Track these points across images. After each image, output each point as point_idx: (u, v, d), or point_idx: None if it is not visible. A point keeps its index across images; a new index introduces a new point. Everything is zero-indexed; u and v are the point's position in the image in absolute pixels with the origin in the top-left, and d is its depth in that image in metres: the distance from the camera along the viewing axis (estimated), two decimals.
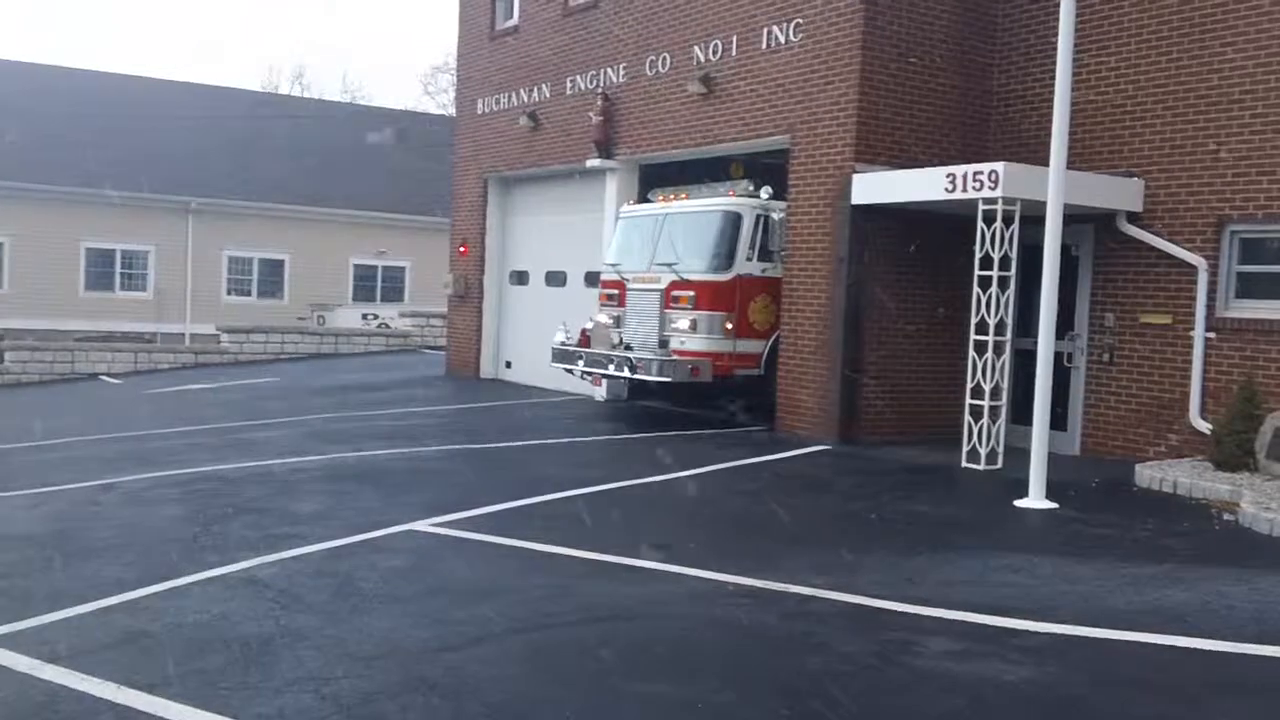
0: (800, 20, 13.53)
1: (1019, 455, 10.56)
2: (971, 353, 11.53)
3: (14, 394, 22.25)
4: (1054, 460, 10.20)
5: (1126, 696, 5.37)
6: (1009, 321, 11.50)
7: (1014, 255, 11.37)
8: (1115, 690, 5.42)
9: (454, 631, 6.18)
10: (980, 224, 11.38)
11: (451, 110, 29.29)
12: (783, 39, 13.78)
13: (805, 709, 5.23)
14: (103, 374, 24.21)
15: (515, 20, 19.56)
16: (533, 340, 18.84)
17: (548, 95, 18.42)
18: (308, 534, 8.37)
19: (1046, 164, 10.05)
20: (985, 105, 13.63)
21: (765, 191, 13.86)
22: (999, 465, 11.34)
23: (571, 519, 9.19)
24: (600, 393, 16.88)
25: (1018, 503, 9.74)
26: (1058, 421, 11.83)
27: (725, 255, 13.79)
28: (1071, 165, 10.71)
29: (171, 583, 7.07)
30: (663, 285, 14.19)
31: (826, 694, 5.40)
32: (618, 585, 7.16)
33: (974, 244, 11.51)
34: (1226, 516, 9.26)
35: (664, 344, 13.97)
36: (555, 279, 19.05)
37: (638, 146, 16.39)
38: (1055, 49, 10.09)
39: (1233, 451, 10.49)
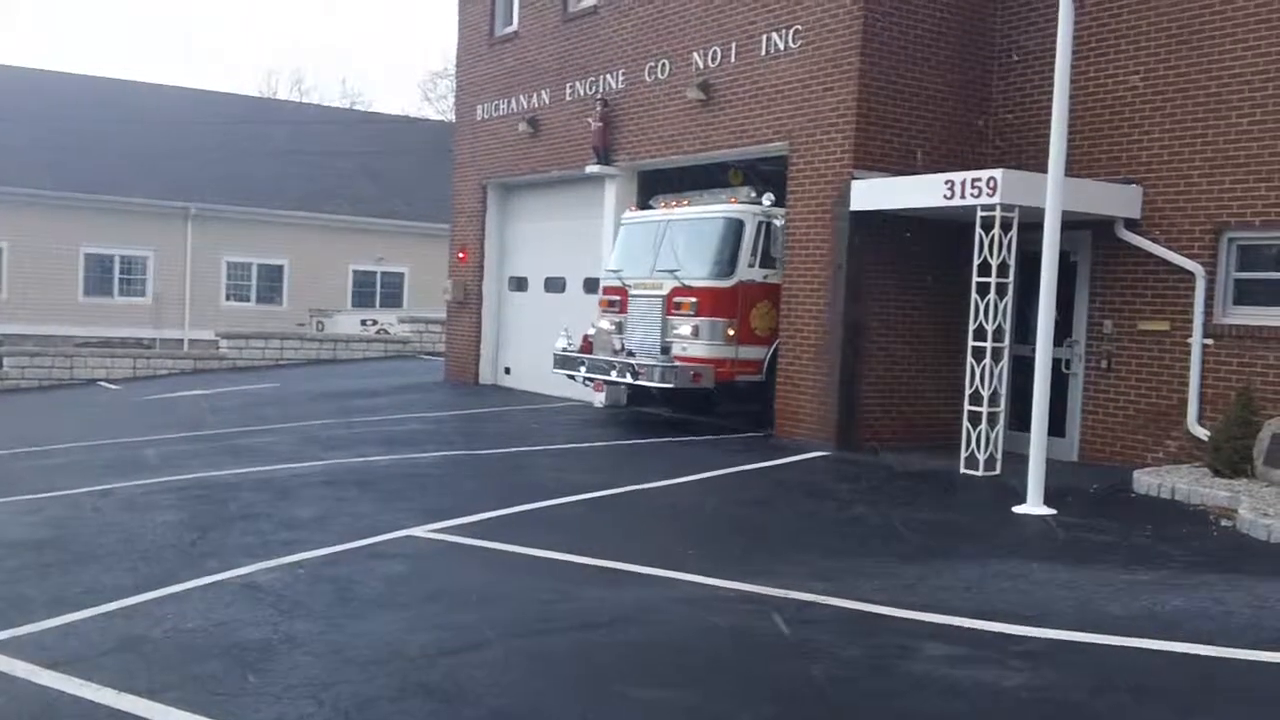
0: (799, 27, 13.56)
1: (1017, 461, 10.57)
2: (970, 359, 11.54)
3: (12, 400, 22.25)
4: (1052, 466, 10.22)
5: (1124, 702, 5.37)
6: (1007, 328, 11.51)
7: (1012, 262, 11.38)
8: (1112, 696, 5.42)
9: (453, 636, 6.18)
10: (979, 231, 11.40)
11: (451, 116, 29.33)
12: (782, 46, 13.81)
13: (804, 714, 5.24)
14: (101, 380, 24.22)
15: (515, 26, 19.59)
16: (532, 346, 18.85)
17: (547, 101, 18.44)
18: (307, 539, 8.37)
19: (1045, 171, 10.07)
20: (984, 112, 13.65)
21: (767, 198, 13.89)
22: (997, 471, 11.35)
23: (570, 524, 9.19)
24: (599, 399, 16.86)
25: (1016, 509, 9.75)
26: (1056, 428, 11.83)
27: (727, 262, 13.82)
28: (1070, 172, 10.72)
29: (170, 588, 7.07)
30: (665, 291, 14.21)
31: (825, 700, 5.40)
32: (617, 591, 7.16)
33: (972, 250, 11.53)
34: (1224, 522, 9.27)
35: (666, 350, 13.99)
36: (554, 285, 19.07)
37: (637, 153, 16.41)
38: (1054, 56, 10.11)
39: (1230, 458, 10.50)
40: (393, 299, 37.38)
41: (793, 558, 8.11)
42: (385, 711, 5.11)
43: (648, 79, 16.11)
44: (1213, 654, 5.96)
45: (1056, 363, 11.28)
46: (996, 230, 11.23)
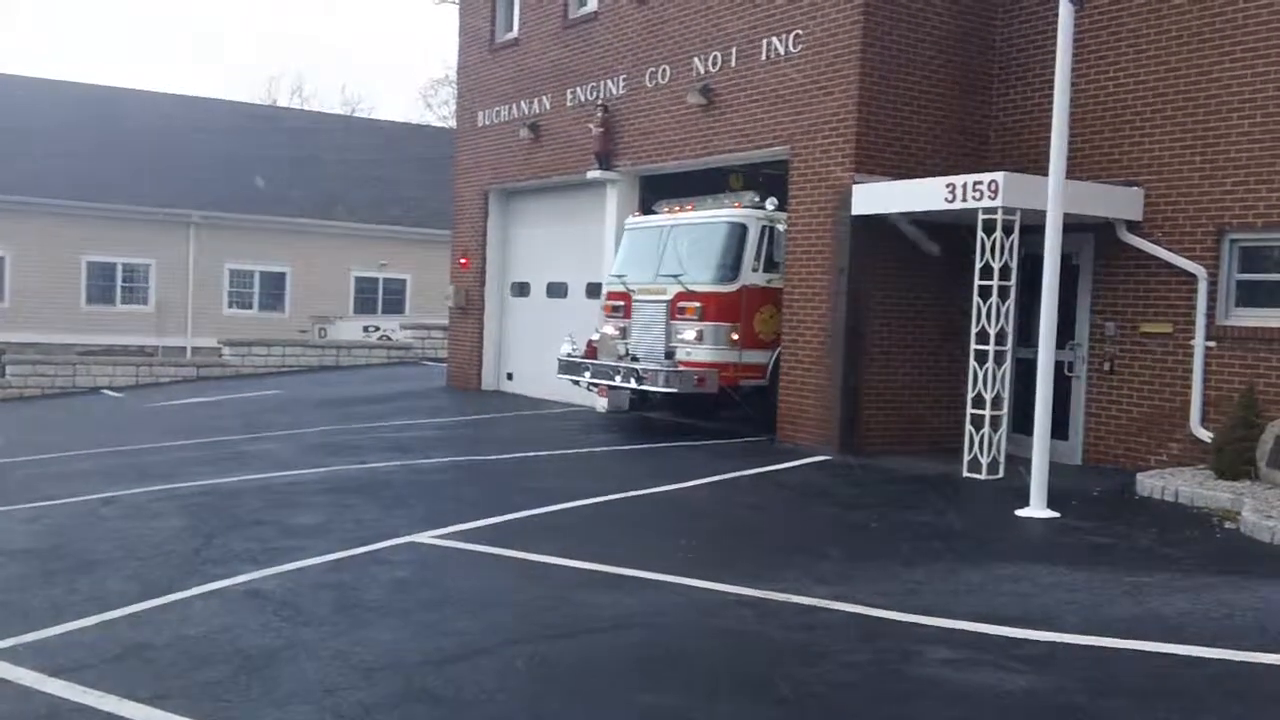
0: (799, 32, 13.57)
1: (1020, 465, 10.56)
2: (972, 362, 11.53)
3: (16, 408, 22.26)
4: (1055, 469, 10.22)
5: (1127, 706, 5.36)
6: (1009, 331, 11.50)
7: (1014, 265, 11.38)
8: (1116, 700, 5.42)
9: (455, 643, 6.18)
10: (980, 234, 11.40)
11: (452, 122, 29.37)
12: (782, 50, 13.82)
13: (807, 719, 5.23)
14: (104, 388, 24.23)
15: (515, 33, 19.62)
16: (534, 352, 18.86)
17: (548, 107, 18.47)
18: (309, 546, 8.37)
19: (1046, 173, 10.07)
20: (985, 115, 13.66)
21: (770, 203, 13.91)
22: (1000, 475, 11.34)
23: (573, 530, 9.19)
24: (602, 404, 16.89)
25: (1019, 512, 9.74)
26: (1059, 431, 11.82)
27: (731, 266, 13.84)
28: (1071, 174, 10.73)
29: (173, 596, 7.08)
30: (669, 296, 14.22)
31: (829, 704, 5.40)
32: (619, 596, 7.16)
33: (974, 253, 11.53)
34: (1228, 525, 9.26)
35: (670, 355, 14.00)
36: (556, 290, 19.08)
37: (638, 158, 16.43)
38: (1054, 58, 10.11)
39: (1233, 460, 10.49)
40: (395, 305, 37.41)
41: (795, 562, 8.11)
42: (387, 717, 5.10)
43: (648, 84, 16.12)
44: (1217, 656, 5.96)
45: (1059, 365, 11.27)
46: (998, 233, 11.23)
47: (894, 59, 12.97)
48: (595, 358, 15.05)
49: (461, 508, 9.85)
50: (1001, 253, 11.26)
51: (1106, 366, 12.39)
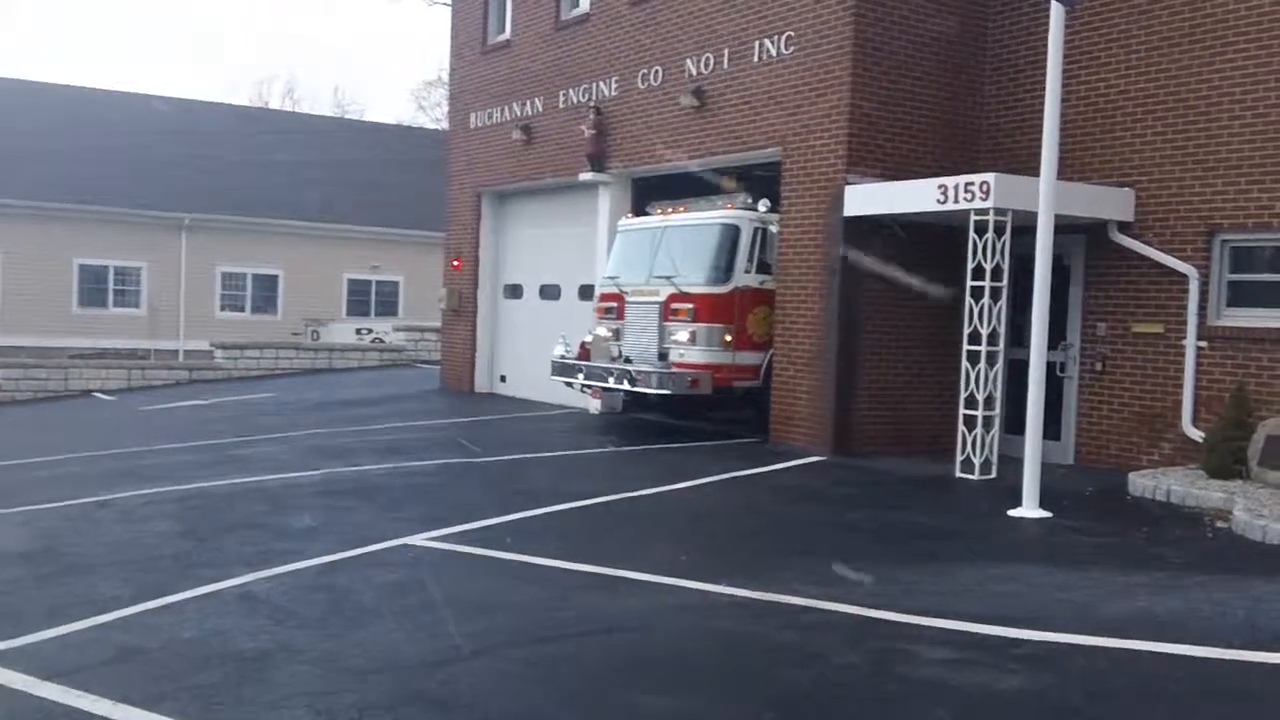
0: (791, 33, 13.59)
1: (1013, 465, 10.59)
2: (965, 363, 11.56)
3: (7, 411, 22.20)
4: (1048, 469, 10.24)
5: (1121, 704, 5.38)
6: (1001, 331, 11.53)
7: (1006, 265, 11.40)
8: (1109, 699, 5.43)
9: (450, 645, 6.18)
10: (972, 235, 11.42)
11: (445, 124, 29.34)
12: (774, 52, 13.84)
13: None
14: (96, 391, 24.17)
15: (507, 34, 19.62)
16: (527, 354, 18.86)
17: (540, 109, 18.47)
18: (303, 549, 8.36)
19: (1037, 174, 10.10)
20: (976, 116, 13.69)
21: (763, 204, 13.91)
22: (993, 475, 11.36)
23: (567, 532, 9.19)
24: (595, 405, 16.89)
25: (1012, 512, 9.76)
26: (1051, 431, 11.84)
27: (724, 268, 13.84)
28: (1062, 175, 10.76)
29: (167, 599, 7.07)
30: (662, 298, 14.22)
31: (823, 705, 5.41)
32: (614, 598, 7.16)
33: (966, 254, 11.55)
34: (1219, 524, 9.29)
35: (663, 356, 14.00)
36: (549, 292, 19.08)
37: (630, 160, 16.43)
38: (1046, 60, 10.14)
39: (1225, 459, 10.52)
40: (388, 307, 37.37)
41: (790, 563, 8.12)
42: None
43: (641, 86, 16.13)
44: (1209, 655, 5.97)
45: (1051, 366, 11.30)
46: (990, 234, 11.25)
47: (885, 60, 13.00)
48: (588, 359, 15.05)
49: (456, 510, 9.85)
50: (993, 254, 11.28)
51: (1098, 367, 12.43)
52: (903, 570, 7.88)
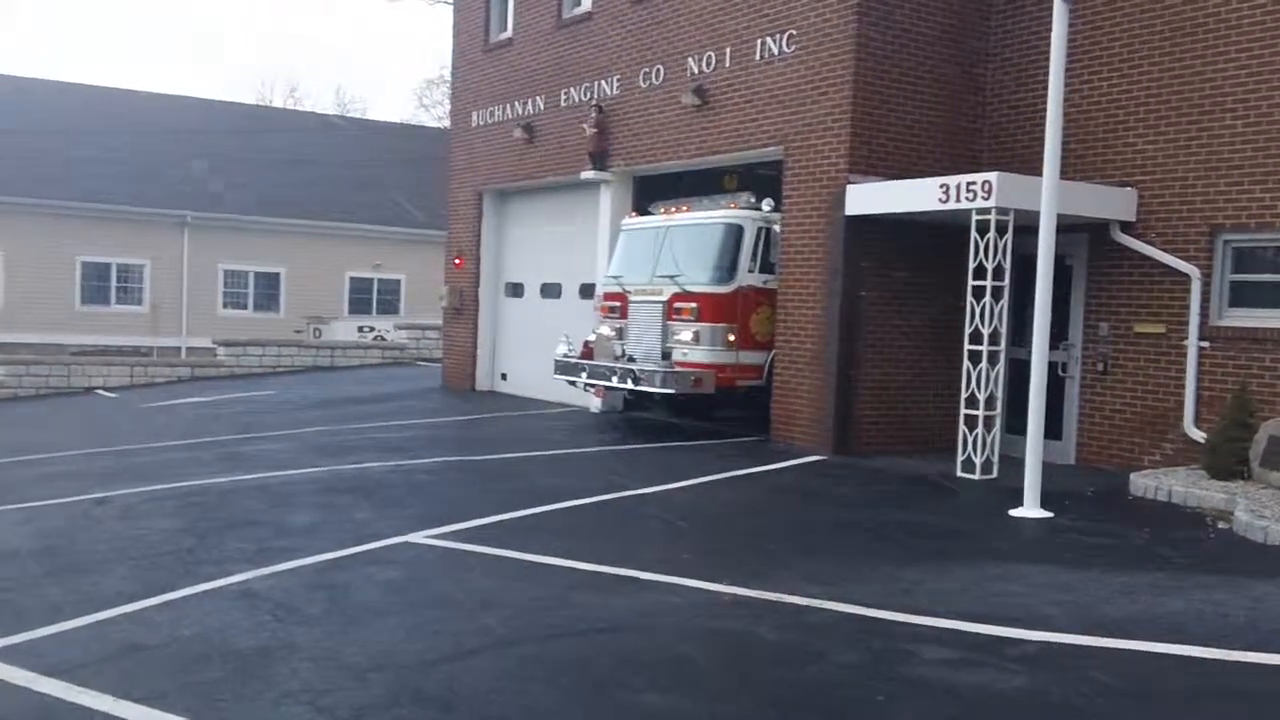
0: (793, 32, 13.58)
1: (1014, 465, 10.59)
2: (966, 362, 11.55)
3: (9, 408, 22.22)
4: (1049, 469, 10.23)
5: (1121, 705, 5.37)
6: (1003, 331, 11.52)
7: (1008, 265, 11.39)
8: (1110, 699, 5.43)
9: (450, 643, 6.18)
10: (974, 234, 11.41)
11: (446, 123, 29.35)
12: (776, 50, 13.83)
13: (803, 719, 5.24)
14: (99, 388, 24.19)
15: (509, 33, 19.62)
16: (528, 352, 18.86)
17: (542, 108, 18.47)
18: (304, 546, 8.37)
19: (1040, 174, 10.09)
20: (979, 115, 13.68)
21: (767, 204, 13.92)
22: (994, 475, 11.35)
23: (567, 530, 9.19)
24: (596, 404, 16.89)
25: (1013, 512, 9.75)
26: (1053, 431, 11.84)
27: (727, 267, 13.85)
28: (1065, 175, 10.74)
29: (167, 596, 7.08)
30: (665, 297, 14.23)
31: (823, 704, 5.41)
32: (614, 596, 7.16)
33: (968, 253, 11.54)
34: (1221, 525, 9.28)
35: (667, 356, 14.02)
36: (550, 291, 19.08)
37: (632, 158, 16.43)
38: (1048, 59, 10.13)
39: (1227, 460, 10.51)
40: (390, 306, 37.39)
41: (790, 562, 8.12)
42: (381, 718, 5.10)
43: (642, 84, 16.13)
44: (1210, 656, 5.97)
45: (1052, 366, 11.29)
46: (992, 234, 11.24)
47: (888, 59, 12.99)
48: (592, 358, 15.06)
49: (456, 508, 9.85)
50: (995, 253, 11.27)
51: (1100, 367, 12.42)
52: (903, 570, 7.87)
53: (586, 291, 17.54)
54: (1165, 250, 11.81)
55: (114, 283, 34.15)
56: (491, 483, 11.61)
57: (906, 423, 13.26)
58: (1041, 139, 10.16)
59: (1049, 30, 10.17)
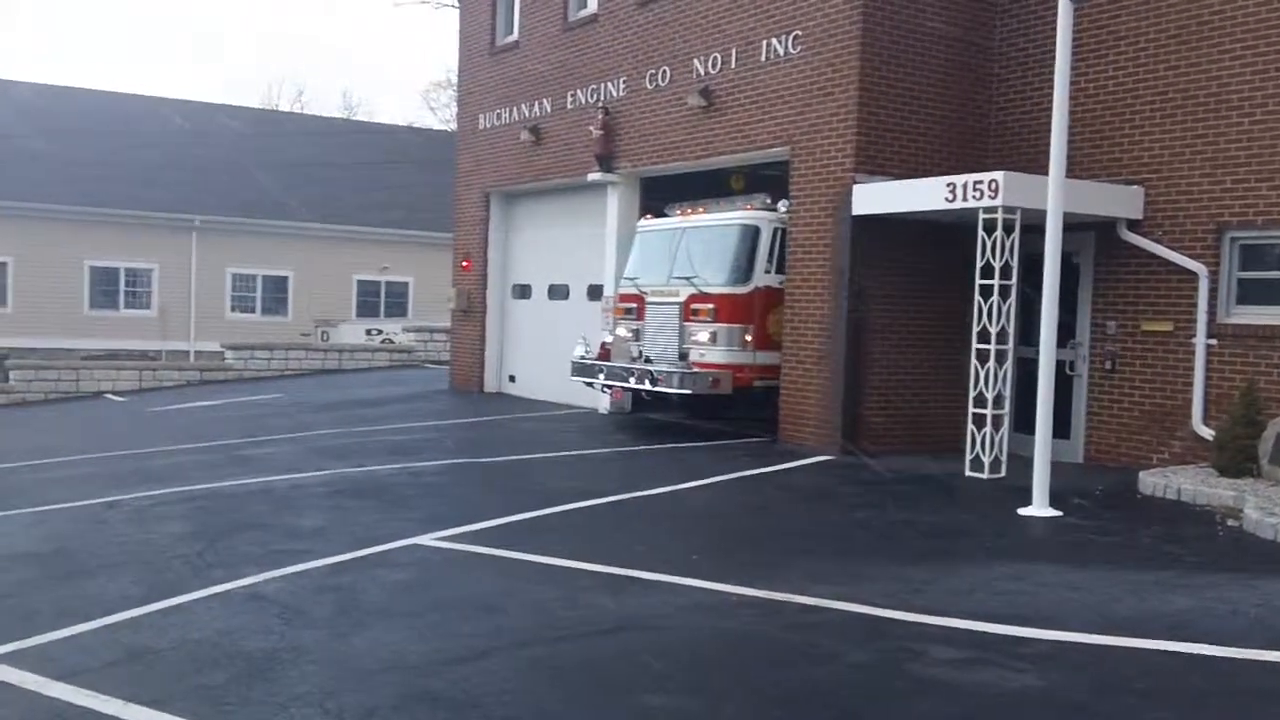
0: (799, 32, 13.58)
1: (1023, 464, 10.57)
2: (974, 361, 11.54)
3: (19, 412, 22.29)
4: (1057, 468, 10.22)
5: (1131, 704, 5.36)
6: (1011, 330, 11.50)
7: (1015, 264, 11.38)
8: (1120, 698, 5.42)
9: (458, 645, 6.19)
10: (981, 233, 11.40)
11: (453, 125, 29.39)
12: (782, 51, 13.83)
13: (812, 719, 5.24)
14: (108, 392, 24.25)
15: (515, 36, 19.63)
16: (536, 354, 18.88)
17: (548, 110, 18.48)
18: (312, 549, 8.38)
19: (1046, 172, 10.07)
20: (985, 114, 13.66)
21: (783, 204, 13.93)
22: (1002, 474, 11.34)
23: (576, 532, 9.20)
24: (605, 405, 16.90)
25: (1021, 511, 9.74)
26: (1061, 429, 11.82)
27: (744, 268, 13.87)
28: (1071, 173, 10.73)
29: (176, 599, 7.09)
30: (682, 298, 14.26)
31: (833, 704, 5.40)
32: (623, 597, 7.16)
33: (975, 252, 11.53)
34: (1230, 522, 9.26)
35: (684, 356, 14.04)
36: (558, 292, 19.09)
37: (638, 160, 16.43)
38: (1054, 58, 10.11)
39: (1235, 457, 10.49)
40: (397, 308, 37.44)
41: (798, 562, 8.11)
42: None
43: (649, 86, 16.13)
44: (1220, 654, 5.96)
45: (1060, 364, 11.28)
46: (999, 232, 11.23)
47: (894, 59, 12.98)
48: (608, 360, 15.09)
49: (464, 510, 9.86)
50: (1002, 252, 11.26)
51: (1108, 365, 12.39)
52: (912, 569, 7.86)
53: (594, 293, 17.55)
54: (1172, 248, 11.79)
55: (122, 287, 34.26)
56: (500, 485, 11.63)
57: (915, 422, 13.25)
58: (1048, 138, 10.15)
59: (1055, 28, 10.15)
